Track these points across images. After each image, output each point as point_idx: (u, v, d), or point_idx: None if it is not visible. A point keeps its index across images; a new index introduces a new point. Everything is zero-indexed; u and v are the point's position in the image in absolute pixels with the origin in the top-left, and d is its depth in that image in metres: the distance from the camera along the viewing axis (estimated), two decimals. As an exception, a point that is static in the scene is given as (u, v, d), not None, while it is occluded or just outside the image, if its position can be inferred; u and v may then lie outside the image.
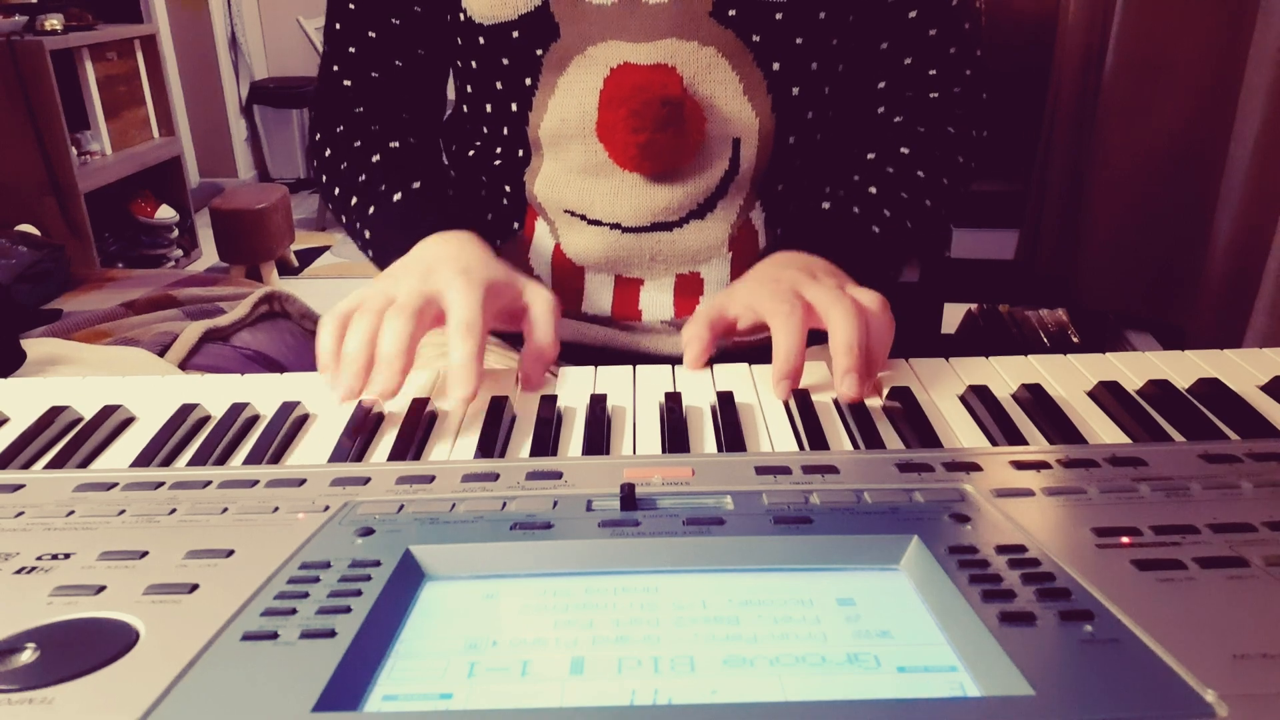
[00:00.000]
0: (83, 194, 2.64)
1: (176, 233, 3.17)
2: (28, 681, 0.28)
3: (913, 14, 0.72)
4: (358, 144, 0.76)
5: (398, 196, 0.71)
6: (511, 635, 0.31)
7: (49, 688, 0.28)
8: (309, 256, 3.31)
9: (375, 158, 0.75)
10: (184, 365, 1.35)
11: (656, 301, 0.75)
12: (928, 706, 0.27)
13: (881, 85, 0.75)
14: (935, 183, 0.73)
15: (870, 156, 0.74)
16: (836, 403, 0.53)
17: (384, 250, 0.69)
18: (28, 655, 0.29)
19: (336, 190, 0.76)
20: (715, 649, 0.30)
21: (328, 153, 0.77)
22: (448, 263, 0.59)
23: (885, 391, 0.54)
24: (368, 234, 0.72)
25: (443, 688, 0.29)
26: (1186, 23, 1.31)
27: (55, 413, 0.53)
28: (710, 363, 0.59)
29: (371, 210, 0.72)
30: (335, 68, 0.77)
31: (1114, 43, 1.39)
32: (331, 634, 0.30)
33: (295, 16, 3.54)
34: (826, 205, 0.72)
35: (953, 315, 1.91)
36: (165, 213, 3.11)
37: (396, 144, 0.76)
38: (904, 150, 0.74)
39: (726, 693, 0.28)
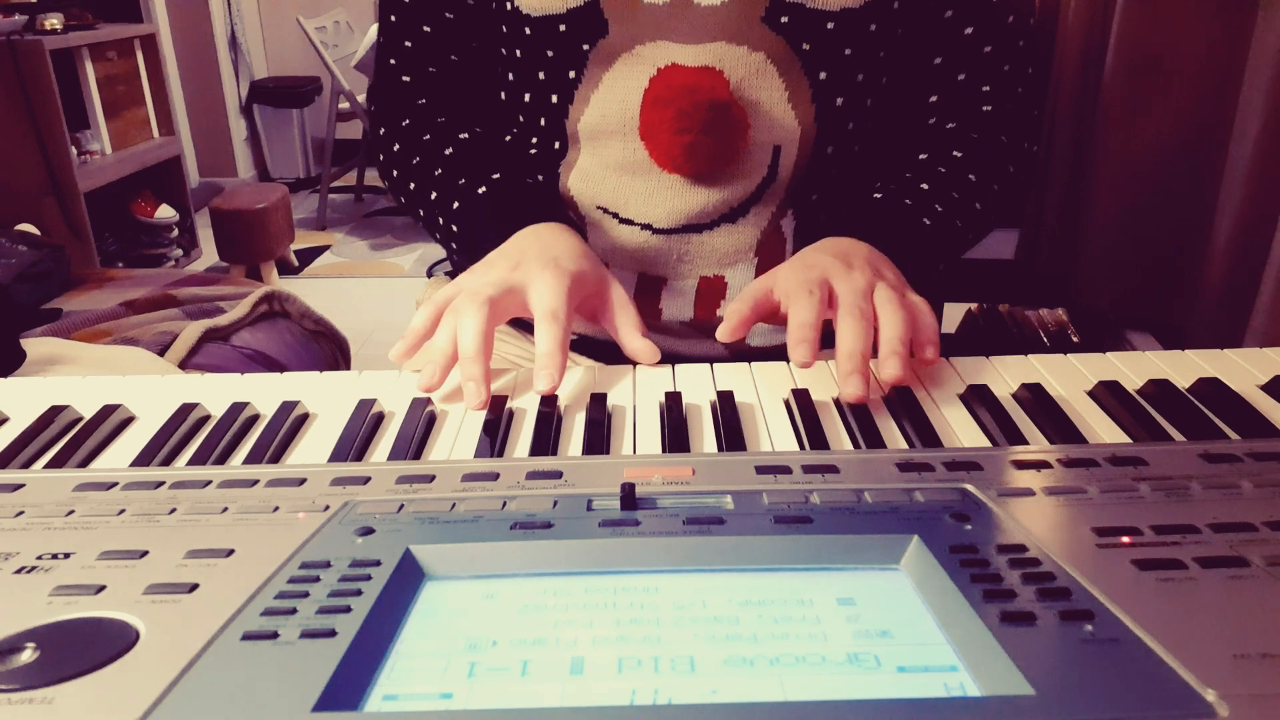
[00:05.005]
0: (83, 194, 2.64)
1: (176, 232, 3.17)
2: (28, 681, 0.28)
3: (968, 30, 0.72)
4: (427, 137, 0.76)
5: (482, 189, 0.71)
6: (511, 635, 0.31)
7: (49, 688, 0.28)
8: (309, 256, 3.31)
9: (448, 150, 0.75)
10: (184, 365, 1.35)
11: (677, 302, 0.75)
12: (928, 706, 0.27)
13: (933, 99, 0.75)
14: (986, 187, 0.73)
15: (923, 157, 0.75)
16: (837, 402, 0.53)
17: (473, 242, 0.70)
18: (28, 655, 0.29)
19: (411, 185, 0.76)
20: (715, 649, 0.30)
21: (396, 147, 0.77)
22: (538, 252, 0.61)
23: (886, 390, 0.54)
24: (454, 228, 0.72)
25: (443, 688, 0.29)
26: (1186, 23, 1.31)
27: (55, 412, 0.53)
28: (710, 362, 0.59)
29: (456, 205, 0.72)
30: (392, 61, 0.77)
31: (1114, 43, 1.39)
32: (331, 634, 0.30)
33: (295, 16, 3.53)
34: (879, 195, 0.72)
35: (953, 315, 1.91)
36: (165, 212, 3.11)
37: (466, 135, 0.76)
38: (956, 154, 0.74)
39: (726, 693, 0.28)
